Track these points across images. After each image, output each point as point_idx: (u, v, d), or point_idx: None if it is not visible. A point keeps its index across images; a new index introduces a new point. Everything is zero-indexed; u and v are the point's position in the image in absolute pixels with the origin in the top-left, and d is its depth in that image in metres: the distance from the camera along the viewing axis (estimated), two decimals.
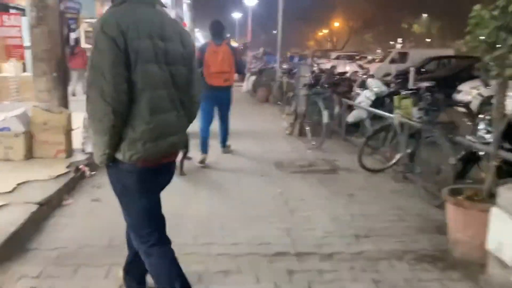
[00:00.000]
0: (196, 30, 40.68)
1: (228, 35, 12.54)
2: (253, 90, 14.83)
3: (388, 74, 17.19)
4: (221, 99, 5.99)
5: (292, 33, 66.95)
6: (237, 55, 6.20)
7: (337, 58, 29.53)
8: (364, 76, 10.06)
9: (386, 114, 6.02)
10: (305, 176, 5.51)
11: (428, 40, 65.93)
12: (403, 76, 14.32)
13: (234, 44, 26.57)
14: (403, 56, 19.24)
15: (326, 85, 8.44)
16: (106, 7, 2.55)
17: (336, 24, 48.20)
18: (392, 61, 19.04)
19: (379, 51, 57.66)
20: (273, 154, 6.65)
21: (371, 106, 7.79)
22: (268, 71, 14.88)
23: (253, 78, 15.00)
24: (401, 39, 70.44)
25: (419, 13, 53.08)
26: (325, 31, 53.76)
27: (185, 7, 23.95)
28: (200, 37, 47.56)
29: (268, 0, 33.99)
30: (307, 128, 7.56)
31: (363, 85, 9.13)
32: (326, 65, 20.97)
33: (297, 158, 6.40)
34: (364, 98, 8.30)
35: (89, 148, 5.61)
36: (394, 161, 5.70)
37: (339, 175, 5.65)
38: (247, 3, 21.66)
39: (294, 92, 8.51)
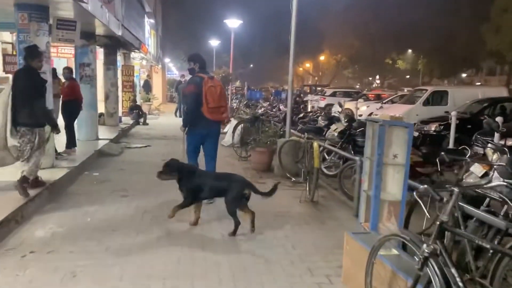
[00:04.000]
0: (167, 60, 35.03)
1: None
2: (241, 145, 9.08)
3: (427, 121, 11.96)
4: (212, 133, 5.58)
5: (268, 67, 62.43)
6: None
7: (333, 95, 24.29)
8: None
9: None
10: None
11: (407, 76, 62.77)
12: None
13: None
14: (441, 96, 13.98)
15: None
16: None
17: (322, 58, 43.56)
18: (427, 102, 13.70)
19: (357, 86, 53.61)
20: None
21: None
22: (268, 119, 9.17)
23: (241, 127, 9.24)
24: (378, 75, 67.31)
25: (404, 49, 49.59)
26: (308, 65, 49.26)
27: (147, 28, 18.21)
28: (173, 69, 41.83)
29: (246, 31, 28.94)
30: None
31: None
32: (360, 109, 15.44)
33: None
34: None
35: None
36: None
37: None
38: (229, 25, 16.11)
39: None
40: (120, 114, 15.36)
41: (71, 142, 7.90)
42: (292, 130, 7.57)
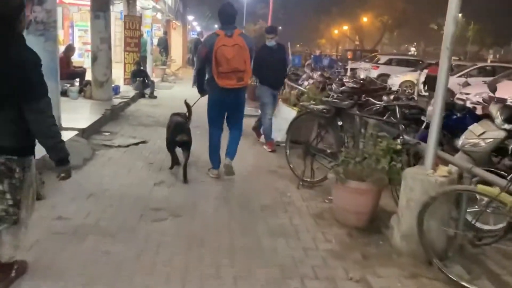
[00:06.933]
0: (190, 18, 30.32)
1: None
2: (304, 159, 4.77)
3: None
4: (233, 103, 4.50)
5: (299, 28, 56.27)
6: (253, 48, 4.49)
7: (389, 63, 19.52)
8: None
9: None
10: None
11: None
12: None
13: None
14: None
15: None
16: None
17: (365, 19, 37.84)
18: None
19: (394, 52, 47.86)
20: None
21: None
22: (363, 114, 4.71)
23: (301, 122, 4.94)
24: (415, 42, 60.57)
25: None
26: (345, 27, 43.46)
27: None
28: (198, 28, 36.98)
29: None
30: None
31: None
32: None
33: None
34: None
35: None
36: None
37: None
38: None
39: None
40: (121, 82, 11.29)
41: None
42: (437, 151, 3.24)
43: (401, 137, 3.74)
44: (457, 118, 6.20)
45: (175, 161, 4.79)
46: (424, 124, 5.99)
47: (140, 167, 4.92)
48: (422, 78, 14.57)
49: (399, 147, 3.61)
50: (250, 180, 4.71)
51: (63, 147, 2.41)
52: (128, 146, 5.75)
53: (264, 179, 4.76)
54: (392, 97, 5.95)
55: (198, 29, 36.44)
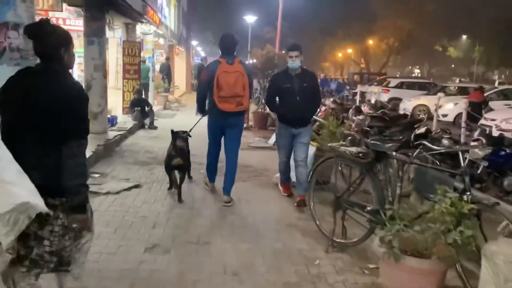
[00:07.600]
0: (194, 43, 29.88)
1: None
2: (333, 214, 3.87)
3: None
4: (231, 124, 4.69)
5: (306, 53, 56.03)
6: (251, 74, 4.89)
7: (400, 86, 18.71)
8: None
9: None
10: None
11: (452, 65, 56.04)
12: None
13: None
14: None
15: None
16: None
17: (371, 42, 37.39)
18: None
19: (397, 75, 47.42)
20: None
21: None
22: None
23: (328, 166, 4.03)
24: (418, 65, 60.10)
25: (458, 35, 42.55)
26: (350, 50, 42.96)
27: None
28: (202, 54, 36.66)
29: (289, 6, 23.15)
30: None
31: None
32: None
33: None
34: None
35: None
36: None
37: None
38: None
39: None
40: (119, 111, 10.52)
41: None
42: None
43: (468, 193, 2.79)
44: (506, 155, 5.30)
45: (173, 182, 4.93)
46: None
47: (130, 223, 3.99)
48: (441, 102, 13.69)
49: (468, 208, 2.68)
50: (266, 239, 3.77)
51: (85, 192, 2.14)
52: (118, 192, 4.84)
53: (284, 238, 3.81)
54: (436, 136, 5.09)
55: (202, 54, 36.15)
